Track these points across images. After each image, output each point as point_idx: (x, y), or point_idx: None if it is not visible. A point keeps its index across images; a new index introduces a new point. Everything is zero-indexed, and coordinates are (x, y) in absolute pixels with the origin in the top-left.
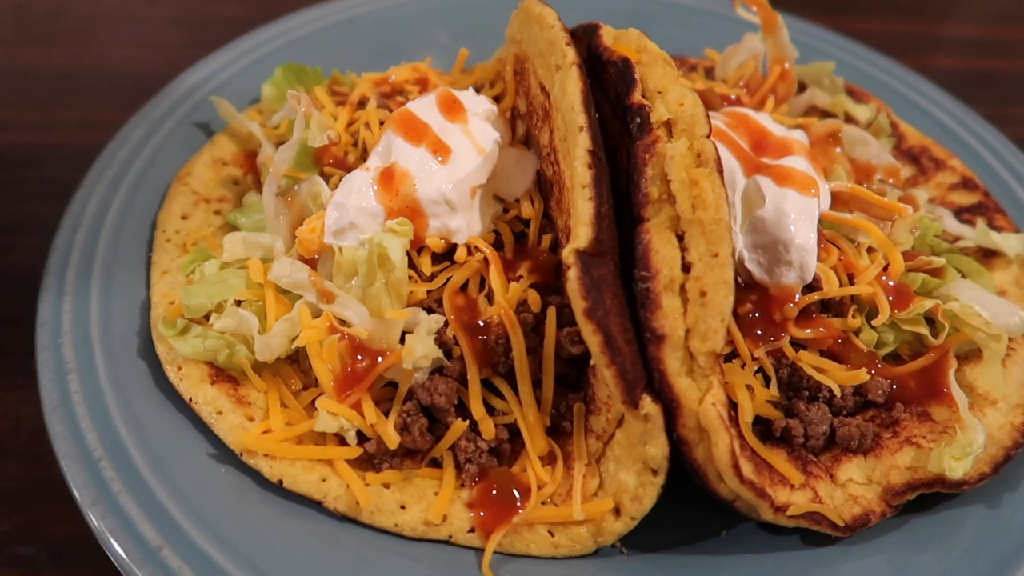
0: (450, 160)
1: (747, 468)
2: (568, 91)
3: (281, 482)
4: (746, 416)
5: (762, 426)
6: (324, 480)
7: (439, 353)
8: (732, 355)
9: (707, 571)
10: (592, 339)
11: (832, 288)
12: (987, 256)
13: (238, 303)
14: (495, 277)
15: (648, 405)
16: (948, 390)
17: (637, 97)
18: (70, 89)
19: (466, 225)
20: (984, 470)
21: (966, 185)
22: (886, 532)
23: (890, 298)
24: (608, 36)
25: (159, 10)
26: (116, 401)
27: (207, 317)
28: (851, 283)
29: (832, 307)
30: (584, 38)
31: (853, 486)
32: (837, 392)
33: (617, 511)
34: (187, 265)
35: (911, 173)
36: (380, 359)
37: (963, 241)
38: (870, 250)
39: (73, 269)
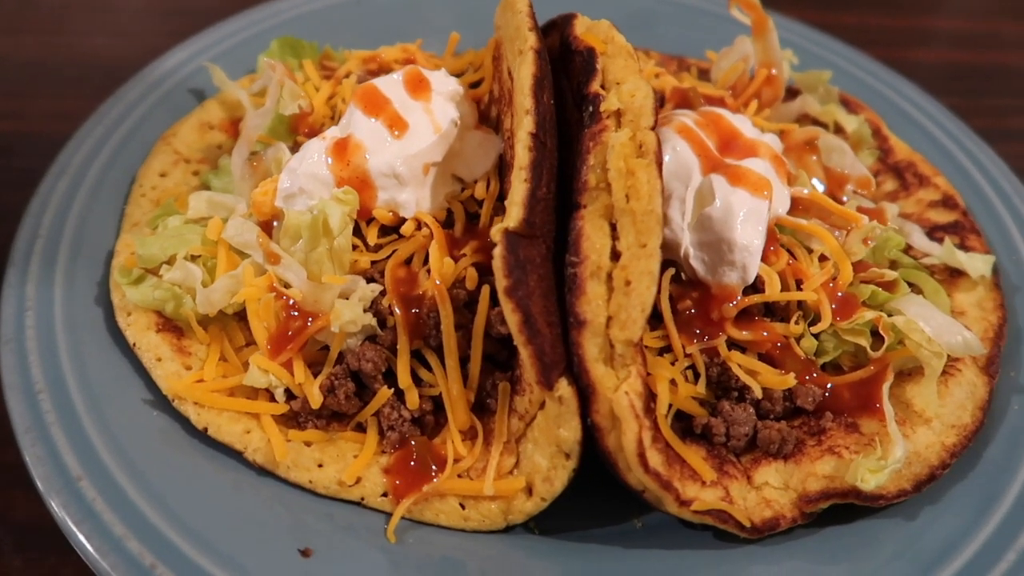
0: (406, 136)
1: (655, 459)
2: (521, 75)
3: (206, 430)
4: (662, 408)
5: (686, 422)
6: (248, 432)
7: (370, 320)
8: (668, 348)
9: (612, 558)
10: (511, 317)
11: (773, 292)
12: (953, 275)
13: (194, 258)
14: (434, 251)
15: (563, 388)
16: (881, 404)
17: (595, 86)
18: (41, 78)
19: (415, 200)
20: (904, 487)
21: (946, 203)
22: (800, 538)
23: (834, 306)
24: (581, 26)
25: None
26: (66, 341)
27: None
28: (799, 289)
29: (777, 311)
30: (561, 27)
31: (768, 489)
32: (758, 393)
33: (530, 491)
34: (154, 219)
35: (893, 187)
36: (311, 321)
37: (929, 259)
38: (823, 258)
39: (50, 215)
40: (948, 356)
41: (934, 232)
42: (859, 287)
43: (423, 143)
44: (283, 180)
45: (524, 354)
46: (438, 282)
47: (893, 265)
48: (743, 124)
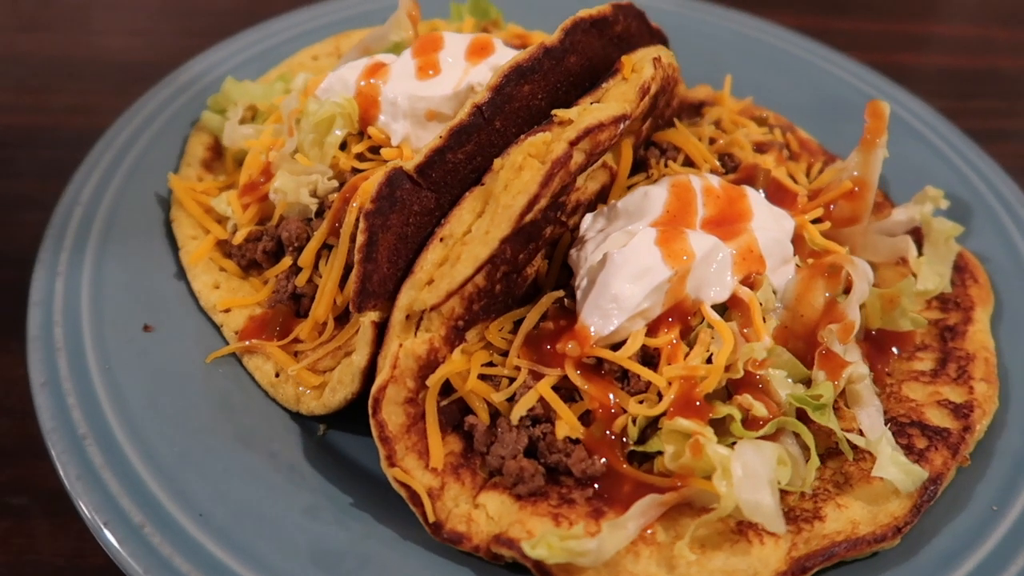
0: (428, 80)
1: (393, 416)
2: (510, 58)
3: (172, 221)
4: (432, 380)
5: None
6: (193, 239)
7: (309, 202)
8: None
9: (356, 491)
10: (359, 236)
11: (622, 355)
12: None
13: (260, 111)
14: (379, 174)
15: (367, 317)
16: None
17: (585, 100)
18: (62, 74)
19: (404, 133)
20: None
21: (957, 411)
22: None
23: (672, 397)
24: (643, 51)
25: None
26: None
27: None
28: None
29: (633, 383)
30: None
31: (480, 512)
32: (512, 420)
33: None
34: (277, 79)
35: (926, 368)
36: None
37: (859, 439)
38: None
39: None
40: (746, 518)
41: (923, 430)
42: (726, 406)
43: (435, 92)
44: (328, 76)
45: (353, 272)
46: (361, 191)
47: (800, 415)
48: (771, 220)
